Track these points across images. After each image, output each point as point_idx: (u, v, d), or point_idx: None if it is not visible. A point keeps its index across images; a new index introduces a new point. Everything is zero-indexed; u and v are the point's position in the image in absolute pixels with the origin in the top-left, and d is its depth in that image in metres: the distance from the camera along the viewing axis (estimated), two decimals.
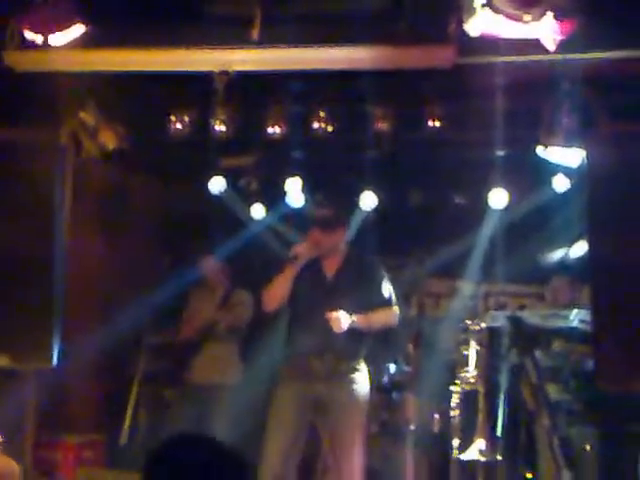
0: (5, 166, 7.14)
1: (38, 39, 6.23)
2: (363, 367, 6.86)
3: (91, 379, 8.12)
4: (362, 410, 6.87)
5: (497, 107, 6.88)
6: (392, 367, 8.48)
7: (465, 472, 7.65)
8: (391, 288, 6.95)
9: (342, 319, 6.56)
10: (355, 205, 8.51)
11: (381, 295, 6.87)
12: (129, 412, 8.13)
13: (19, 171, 7.14)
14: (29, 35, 6.26)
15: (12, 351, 7.08)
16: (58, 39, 6.22)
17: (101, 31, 6.36)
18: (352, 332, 6.71)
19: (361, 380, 6.84)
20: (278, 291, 6.93)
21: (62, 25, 6.19)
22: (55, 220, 7.16)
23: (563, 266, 8.63)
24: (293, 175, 8.33)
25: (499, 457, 7.56)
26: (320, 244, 6.84)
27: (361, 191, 8.47)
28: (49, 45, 6.24)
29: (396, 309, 6.98)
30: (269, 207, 8.98)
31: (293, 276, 6.85)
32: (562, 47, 5.80)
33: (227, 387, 8.03)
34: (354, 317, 6.61)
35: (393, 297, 6.95)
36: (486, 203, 8.36)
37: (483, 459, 7.60)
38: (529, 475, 7.58)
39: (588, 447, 7.34)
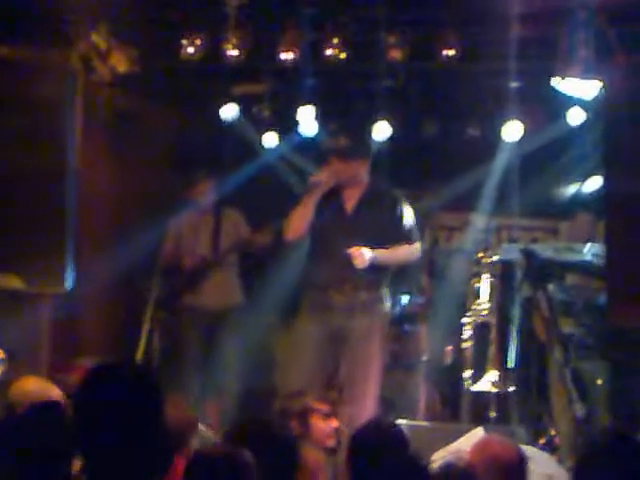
0: (14, 86, 7.13)
1: None
2: (385, 298, 6.87)
3: (105, 302, 8.12)
4: (380, 341, 6.87)
5: (512, 37, 6.84)
6: (405, 299, 8.43)
7: (477, 403, 7.68)
8: (413, 223, 6.90)
9: (364, 255, 6.52)
10: (369, 135, 8.36)
11: (402, 230, 6.83)
12: (144, 335, 8.03)
13: (28, 91, 7.12)
14: None
15: (26, 274, 7.14)
16: None
17: None
18: (372, 265, 6.66)
19: (381, 311, 6.87)
20: (299, 221, 6.88)
21: None
22: (66, 143, 7.18)
23: (576, 201, 8.58)
24: (306, 103, 8.18)
25: (511, 389, 7.56)
26: (339, 173, 6.77)
27: (374, 121, 8.32)
28: None
29: (418, 245, 6.97)
30: (282, 135, 8.87)
31: (313, 206, 6.79)
32: None
33: (233, 310, 8.02)
34: (375, 253, 6.57)
35: (415, 232, 6.93)
36: (500, 135, 8.27)
37: (495, 390, 7.61)
38: (541, 405, 7.55)
39: (600, 381, 7.31)
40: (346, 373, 6.81)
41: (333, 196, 6.84)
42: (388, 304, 6.94)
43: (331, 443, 5.23)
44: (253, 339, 8.07)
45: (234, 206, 8.23)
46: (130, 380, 2.88)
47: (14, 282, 7.08)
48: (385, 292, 6.85)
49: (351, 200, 6.87)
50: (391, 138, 8.43)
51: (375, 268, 6.65)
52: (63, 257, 7.09)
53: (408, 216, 6.86)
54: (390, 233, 6.76)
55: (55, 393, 4.94)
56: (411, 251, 6.92)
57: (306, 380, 6.66)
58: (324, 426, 5.34)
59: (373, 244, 6.60)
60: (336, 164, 6.79)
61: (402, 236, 6.78)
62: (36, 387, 4.94)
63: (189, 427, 4.69)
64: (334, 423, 5.47)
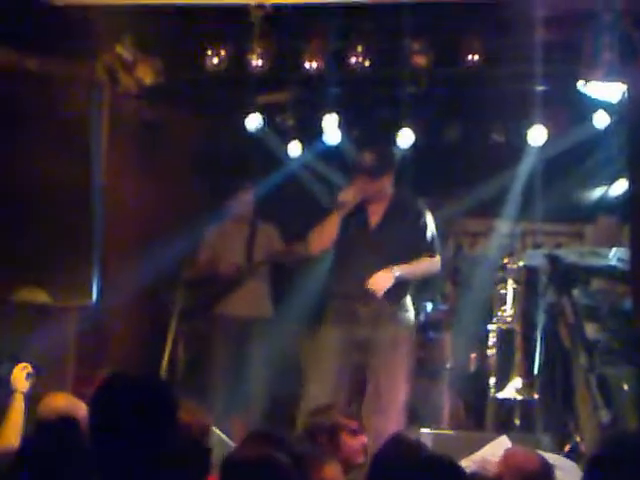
0: (42, 97, 7.11)
1: None
2: (409, 308, 6.90)
3: (130, 315, 8.10)
4: (407, 351, 6.89)
5: (537, 41, 6.83)
6: (429, 306, 8.41)
7: (501, 410, 7.66)
8: (435, 235, 6.94)
9: (383, 281, 6.58)
10: (394, 143, 8.41)
11: (425, 242, 6.86)
12: (168, 347, 8.08)
13: (55, 104, 7.12)
14: None
15: (51, 288, 7.12)
16: None
17: None
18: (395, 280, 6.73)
19: (406, 321, 6.89)
20: (325, 237, 6.94)
21: None
22: (92, 155, 7.18)
23: (603, 205, 8.58)
24: (330, 112, 8.24)
25: (536, 396, 7.56)
26: (366, 191, 6.81)
27: (398, 128, 8.36)
28: None
29: (439, 258, 6.98)
30: (306, 144, 8.88)
31: (339, 223, 6.83)
32: None
33: (261, 321, 8.04)
34: (397, 270, 6.61)
35: (437, 245, 6.95)
36: (525, 140, 8.28)
37: (519, 397, 7.62)
38: (566, 412, 7.51)
39: (626, 386, 7.20)
40: (372, 384, 6.80)
41: (358, 210, 6.88)
42: (412, 313, 6.93)
43: (361, 460, 5.10)
44: (281, 350, 8.08)
45: (268, 218, 8.27)
46: (142, 387, 2.95)
47: (40, 296, 7.07)
48: (408, 301, 6.86)
49: (375, 215, 6.92)
50: (414, 145, 8.44)
51: (398, 281, 6.69)
52: (89, 270, 7.10)
53: (431, 228, 6.89)
54: (413, 246, 6.81)
55: (82, 409, 4.99)
56: (433, 264, 6.95)
57: (331, 391, 6.71)
58: (354, 443, 5.23)
59: (396, 257, 6.67)
60: (362, 181, 6.83)
61: (425, 249, 6.82)
62: (64, 403, 4.97)
63: (203, 432, 4.65)
64: (363, 439, 5.36)
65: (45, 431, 3.92)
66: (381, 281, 6.59)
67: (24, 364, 5.88)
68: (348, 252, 6.88)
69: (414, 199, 7.15)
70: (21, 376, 5.82)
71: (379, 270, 6.67)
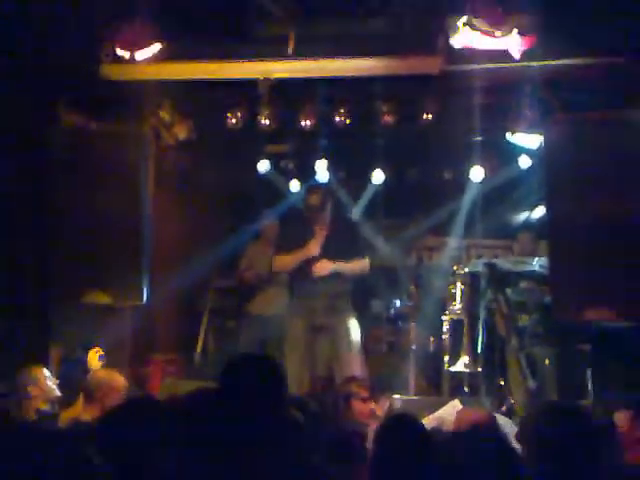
0: (102, 151, 7.07)
1: (126, 55, 6.28)
2: (349, 302, 7.04)
3: (171, 313, 8.12)
4: (353, 331, 6.98)
5: (475, 103, 6.88)
6: (398, 303, 8.47)
7: (453, 381, 7.67)
8: (367, 243, 7.18)
9: (324, 266, 6.75)
10: (369, 180, 8.45)
11: (357, 249, 6.96)
12: (200, 338, 8.12)
13: (113, 156, 7.07)
14: (119, 52, 6.31)
15: (111, 292, 7.07)
16: (141, 55, 6.28)
17: (173, 48, 6.38)
18: (338, 281, 6.85)
19: (349, 312, 7.01)
20: (286, 266, 7.07)
21: (144, 44, 6.23)
22: (141, 193, 7.12)
23: (526, 225, 8.54)
24: (321, 158, 8.23)
25: (479, 369, 7.59)
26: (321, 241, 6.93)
27: (373, 169, 8.39)
28: (134, 59, 6.30)
29: (367, 260, 7.04)
30: (303, 182, 8.84)
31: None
32: (525, 56, 5.81)
33: (278, 316, 7.88)
34: (335, 265, 6.77)
35: (366, 250, 7.11)
36: (467, 177, 8.29)
37: (467, 370, 7.66)
38: (501, 382, 7.49)
39: (547, 362, 7.30)
40: (334, 354, 6.93)
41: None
42: (351, 306, 7.07)
43: (370, 422, 4.88)
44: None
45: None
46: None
47: (103, 298, 7.03)
48: (348, 298, 7.02)
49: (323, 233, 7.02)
50: (385, 182, 8.46)
51: (340, 282, 6.89)
52: (139, 278, 7.03)
53: (363, 238, 7.13)
54: (348, 251, 6.91)
55: (120, 381, 5.06)
56: (363, 263, 7.01)
57: (302, 362, 6.86)
58: (363, 408, 5.18)
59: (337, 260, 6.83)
60: (321, 232, 6.95)
61: (356, 254, 6.94)
62: (105, 375, 5.13)
63: None
64: (371, 405, 5.30)
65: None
66: (322, 266, 6.75)
67: (97, 349, 5.98)
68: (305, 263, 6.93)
69: (347, 216, 7.36)
70: (94, 358, 5.92)
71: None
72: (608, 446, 3.55)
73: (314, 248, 6.88)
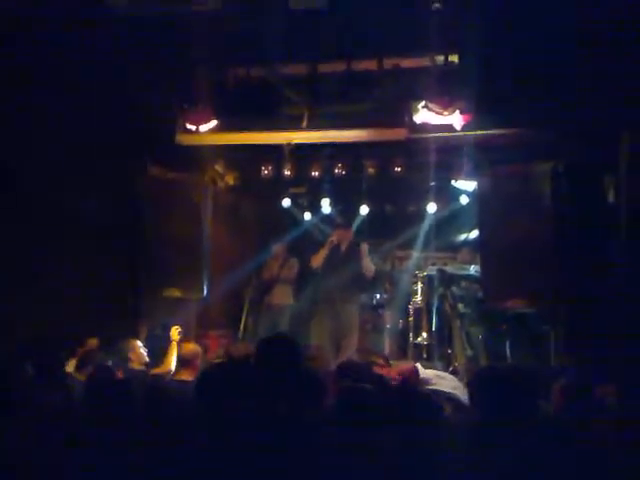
0: (175, 193, 7.08)
1: (193, 128, 6.28)
2: (357, 296, 7.22)
3: (223, 302, 8.05)
4: (356, 317, 7.14)
5: (431, 160, 6.85)
6: (378, 296, 8.40)
7: (416, 349, 7.68)
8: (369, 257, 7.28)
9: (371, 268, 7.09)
10: (358, 212, 8.40)
11: (367, 261, 7.14)
12: (243, 319, 8.07)
13: (183, 196, 7.08)
14: (189, 125, 6.32)
15: (181, 288, 7.05)
16: (203, 127, 6.28)
17: (224, 123, 6.37)
18: (353, 279, 6.92)
19: (354, 302, 7.17)
20: (320, 258, 7.14)
21: (205, 120, 6.24)
22: (202, 221, 7.10)
23: (465, 242, 8.45)
24: (325, 197, 8.20)
25: (433, 342, 7.61)
26: (341, 237, 7.17)
27: (360, 204, 8.32)
28: (199, 131, 6.28)
29: (373, 267, 7.25)
30: (313, 214, 8.83)
31: (328, 251, 7.09)
32: (464, 128, 5.80)
33: (287, 306, 7.93)
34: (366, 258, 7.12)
35: (371, 261, 7.30)
36: (425, 210, 8.22)
37: (425, 342, 7.67)
38: (449, 350, 7.47)
39: (480, 336, 7.26)
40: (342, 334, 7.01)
41: (335, 245, 7.19)
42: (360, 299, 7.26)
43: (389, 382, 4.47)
44: (296, 318, 7.89)
45: (292, 253, 8.15)
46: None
47: (176, 293, 7.00)
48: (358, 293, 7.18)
49: (344, 247, 7.21)
50: (369, 213, 8.36)
51: (355, 280, 7.08)
52: (201, 279, 6.99)
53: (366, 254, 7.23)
54: (360, 261, 7.10)
55: (197, 350, 5.02)
56: (371, 269, 7.24)
57: (325, 336, 6.91)
58: (383, 372, 4.81)
59: (352, 268, 7.04)
60: (340, 232, 7.22)
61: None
62: (194, 348, 5.08)
63: None
64: (389, 369, 5.01)
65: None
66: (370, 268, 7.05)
67: (177, 326, 5.89)
68: (329, 266, 7.00)
69: (359, 242, 7.38)
70: (175, 332, 5.84)
71: (347, 274, 6.98)
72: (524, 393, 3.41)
73: (335, 238, 7.13)
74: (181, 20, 4.99)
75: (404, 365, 4.92)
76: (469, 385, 3.56)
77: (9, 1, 4.32)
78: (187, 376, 4.71)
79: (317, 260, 7.29)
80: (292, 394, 2.78)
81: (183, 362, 4.91)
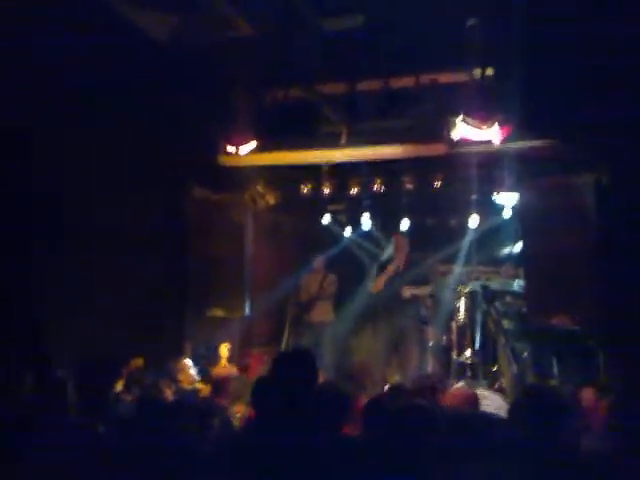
0: (218, 213, 7.23)
1: (233, 150, 6.41)
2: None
3: (264, 320, 8.11)
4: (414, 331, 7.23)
5: (471, 174, 6.87)
6: (421, 311, 8.17)
7: (460, 367, 7.54)
8: None
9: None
10: (398, 227, 8.29)
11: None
12: (285, 337, 8.07)
13: (225, 217, 7.26)
14: (229, 148, 6.45)
15: (224, 307, 7.19)
16: (243, 149, 6.40)
17: (264, 144, 6.47)
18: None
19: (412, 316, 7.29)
20: (381, 283, 7.17)
21: (245, 142, 6.36)
22: (244, 240, 7.29)
23: (509, 257, 8.31)
24: (365, 212, 8.23)
25: (477, 359, 7.43)
26: (400, 244, 7.25)
27: (401, 219, 8.26)
28: (239, 152, 6.41)
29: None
30: (353, 229, 8.84)
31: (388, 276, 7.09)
32: (503, 141, 5.76)
33: (328, 323, 7.92)
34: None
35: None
36: (467, 224, 8.16)
37: (469, 361, 7.52)
38: (494, 368, 7.34)
39: (525, 354, 7.09)
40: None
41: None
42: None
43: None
44: (337, 337, 7.89)
45: (332, 270, 8.14)
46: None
47: (219, 312, 7.14)
48: None
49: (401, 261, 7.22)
50: (410, 227, 8.29)
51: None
52: (243, 298, 7.18)
53: None
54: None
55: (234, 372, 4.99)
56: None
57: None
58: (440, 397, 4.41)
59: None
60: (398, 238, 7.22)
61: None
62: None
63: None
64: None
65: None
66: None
67: (227, 343, 5.89)
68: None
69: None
70: (225, 349, 5.84)
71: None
72: (570, 415, 3.40)
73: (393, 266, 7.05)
74: (219, 47, 5.12)
75: (461, 390, 4.71)
76: (513, 405, 3.42)
77: (57, 36, 4.50)
78: (221, 400, 4.63)
79: (378, 286, 7.23)
80: (304, 414, 2.71)
81: (217, 386, 4.87)
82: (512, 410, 3.11)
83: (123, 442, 3.05)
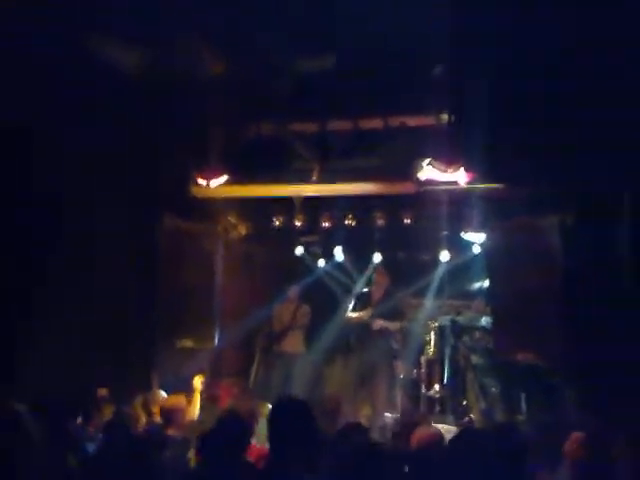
0: (189, 243, 7.26)
1: (205, 182, 6.51)
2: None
3: (234, 351, 8.13)
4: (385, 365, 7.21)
5: (440, 212, 7.01)
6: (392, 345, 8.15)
7: (429, 402, 7.59)
8: None
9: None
10: (371, 260, 8.39)
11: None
12: (254, 368, 8.08)
13: (196, 247, 7.28)
14: (200, 181, 6.56)
15: (194, 338, 7.20)
16: (214, 182, 6.52)
17: (235, 177, 6.57)
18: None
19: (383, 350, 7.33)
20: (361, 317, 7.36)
21: (215, 176, 6.46)
22: (215, 269, 7.32)
23: (479, 292, 8.41)
24: (337, 245, 8.34)
25: (446, 394, 7.50)
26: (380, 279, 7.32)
27: (373, 253, 8.39)
28: (209, 185, 6.52)
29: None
30: (327, 261, 8.90)
31: None
32: (469, 183, 5.93)
33: (299, 355, 7.91)
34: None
35: None
36: (438, 259, 8.28)
37: (437, 395, 7.59)
38: (464, 402, 7.41)
39: (494, 389, 7.22)
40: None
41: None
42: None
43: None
44: (307, 369, 7.88)
45: (305, 300, 8.14)
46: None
47: (188, 343, 7.15)
48: None
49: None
50: (382, 261, 8.33)
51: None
52: (212, 329, 7.19)
53: None
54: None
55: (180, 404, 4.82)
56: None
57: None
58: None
59: None
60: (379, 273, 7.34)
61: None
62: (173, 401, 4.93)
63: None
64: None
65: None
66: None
67: (200, 376, 5.77)
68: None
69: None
70: (198, 382, 5.67)
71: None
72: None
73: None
74: (192, 83, 5.23)
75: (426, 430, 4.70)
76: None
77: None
78: (172, 431, 4.53)
79: (358, 318, 7.29)
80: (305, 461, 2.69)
81: (166, 417, 4.67)
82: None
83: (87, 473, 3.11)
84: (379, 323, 7.08)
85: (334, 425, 4.32)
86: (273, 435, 2.72)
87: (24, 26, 4.42)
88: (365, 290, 7.57)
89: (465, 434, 3.29)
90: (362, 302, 7.55)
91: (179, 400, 4.86)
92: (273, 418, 2.77)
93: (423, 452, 3.57)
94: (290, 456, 2.65)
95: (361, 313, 7.41)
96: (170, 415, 4.63)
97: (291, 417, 2.73)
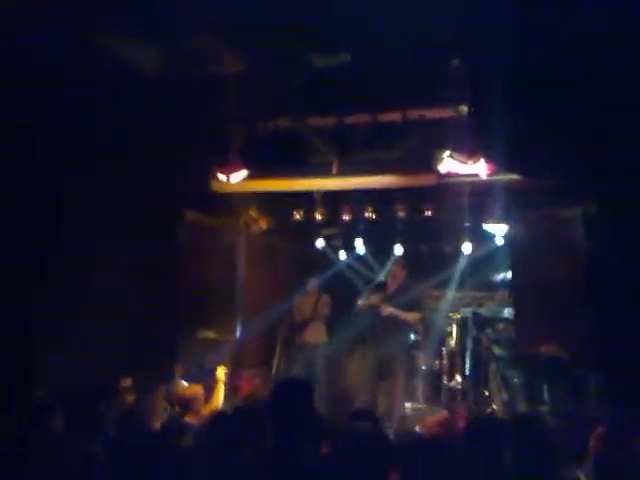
0: (210, 237, 7.31)
1: (225, 178, 6.56)
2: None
3: (257, 341, 8.16)
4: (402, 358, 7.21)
5: (463, 203, 7.01)
6: (412, 337, 8.28)
7: (450, 393, 7.60)
8: None
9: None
10: (392, 252, 8.40)
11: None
12: (276, 359, 8.13)
13: (218, 241, 7.33)
14: (221, 176, 6.60)
15: (216, 330, 7.25)
16: (234, 177, 6.55)
17: (255, 172, 6.60)
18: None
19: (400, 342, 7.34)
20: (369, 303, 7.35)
21: (236, 171, 6.50)
22: (237, 262, 7.39)
23: (501, 283, 8.42)
24: (358, 237, 8.35)
25: (467, 385, 7.50)
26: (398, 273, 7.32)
27: (394, 244, 8.36)
28: (230, 180, 6.55)
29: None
30: (348, 254, 8.95)
31: None
32: (490, 175, 5.90)
33: (321, 344, 7.95)
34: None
35: None
36: (460, 250, 8.25)
37: (459, 386, 7.59)
38: (486, 393, 7.39)
39: (516, 380, 7.22)
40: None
41: None
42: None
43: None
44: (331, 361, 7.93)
45: (326, 292, 8.19)
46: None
47: (211, 334, 7.19)
48: None
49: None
50: (403, 253, 8.33)
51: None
52: (234, 321, 7.26)
53: None
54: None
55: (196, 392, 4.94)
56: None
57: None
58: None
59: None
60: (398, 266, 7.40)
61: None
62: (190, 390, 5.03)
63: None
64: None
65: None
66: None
67: (224, 367, 5.81)
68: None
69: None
70: (222, 373, 5.73)
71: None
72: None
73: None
74: (209, 81, 5.27)
75: (433, 418, 4.70)
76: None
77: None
78: (190, 418, 4.65)
79: (365, 305, 7.31)
80: (303, 443, 2.75)
81: (183, 405, 4.79)
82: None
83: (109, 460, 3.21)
84: (389, 310, 7.04)
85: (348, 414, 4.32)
86: (275, 415, 2.77)
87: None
88: (381, 280, 7.53)
89: (481, 422, 3.36)
90: (376, 291, 7.60)
91: (196, 389, 4.94)
92: (275, 398, 2.82)
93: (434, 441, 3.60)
94: (293, 438, 2.69)
95: (372, 298, 7.42)
96: (187, 403, 4.73)
97: (292, 398, 2.77)
